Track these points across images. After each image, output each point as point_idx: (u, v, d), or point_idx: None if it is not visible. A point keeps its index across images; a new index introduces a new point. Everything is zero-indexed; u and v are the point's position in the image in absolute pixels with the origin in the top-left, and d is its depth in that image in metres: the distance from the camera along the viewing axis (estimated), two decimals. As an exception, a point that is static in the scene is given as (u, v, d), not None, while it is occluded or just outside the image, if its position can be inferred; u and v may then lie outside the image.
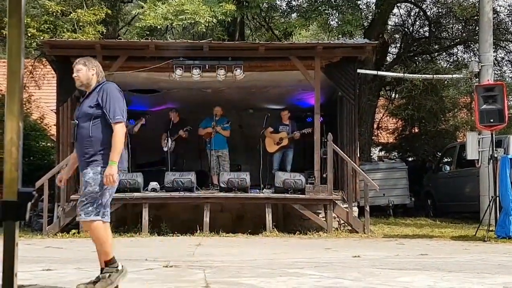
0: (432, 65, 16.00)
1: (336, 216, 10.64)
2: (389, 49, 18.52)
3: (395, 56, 18.11)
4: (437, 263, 6.22)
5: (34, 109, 17.09)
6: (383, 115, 19.64)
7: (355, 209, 10.79)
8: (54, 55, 11.11)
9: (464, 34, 17.22)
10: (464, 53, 18.41)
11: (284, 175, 10.88)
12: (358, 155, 11.80)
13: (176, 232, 9.91)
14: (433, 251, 7.68)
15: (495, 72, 15.31)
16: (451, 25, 17.78)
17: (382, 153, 19.53)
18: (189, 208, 10.89)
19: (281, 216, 11.13)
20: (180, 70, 10.60)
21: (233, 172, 11.57)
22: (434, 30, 17.49)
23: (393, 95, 18.87)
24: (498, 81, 12.55)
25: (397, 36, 18.81)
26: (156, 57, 10.66)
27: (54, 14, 13.42)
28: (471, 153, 10.90)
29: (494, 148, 9.31)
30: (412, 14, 18.34)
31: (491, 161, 9.27)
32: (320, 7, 14.79)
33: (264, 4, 15.31)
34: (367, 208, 10.24)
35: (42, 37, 11.75)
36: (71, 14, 13.58)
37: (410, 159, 18.38)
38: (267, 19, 18.20)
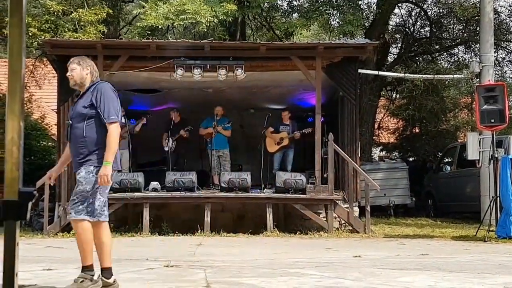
0: (433, 65, 15.98)
1: (337, 216, 10.64)
2: (390, 49, 18.52)
3: (396, 56, 18.11)
4: (437, 263, 6.22)
5: (35, 108, 17.12)
6: (384, 115, 19.65)
7: (356, 209, 10.78)
8: (55, 54, 11.10)
9: (465, 35, 17.21)
10: (465, 53, 18.43)
11: (285, 175, 10.88)
12: (359, 155, 11.79)
13: (177, 232, 9.91)
14: (434, 251, 7.68)
15: (496, 72, 15.30)
16: (452, 26, 17.77)
17: (383, 153, 19.53)
18: (190, 208, 10.89)
19: (282, 216, 11.12)
20: (181, 70, 10.60)
21: (234, 172, 11.57)
22: (435, 30, 17.48)
23: (394, 95, 18.88)
24: (499, 82, 12.53)
25: (398, 36, 18.81)
26: (157, 56, 10.67)
27: (55, 13, 13.42)
28: (471, 153, 10.89)
29: (495, 148, 9.31)
30: (413, 14, 18.34)
31: (492, 161, 9.27)
32: (321, 7, 14.80)
33: (265, 4, 15.31)
34: (368, 208, 10.24)
35: (43, 37, 11.74)
36: (72, 14, 13.58)
37: (411, 159, 18.38)
38: (268, 19, 18.21)
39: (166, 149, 12.16)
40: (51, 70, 15.24)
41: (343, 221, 10.75)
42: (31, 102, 16.43)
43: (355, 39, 13.59)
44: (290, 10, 16.25)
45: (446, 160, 15.35)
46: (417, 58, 17.78)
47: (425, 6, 17.70)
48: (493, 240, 8.89)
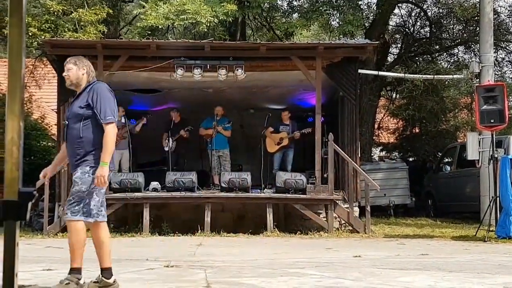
0: (433, 66, 15.98)
1: (337, 216, 10.65)
2: (390, 49, 18.52)
3: (396, 57, 18.12)
4: (437, 263, 6.23)
5: (35, 108, 17.11)
6: (384, 115, 19.66)
7: (356, 209, 10.78)
8: (55, 54, 11.10)
9: (464, 35, 17.22)
10: (464, 53, 18.44)
11: (285, 175, 10.88)
12: (359, 155, 11.80)
13: (177, 232, 9.91)
14: (434, 251, 7.69)
15: (496, 72, 15.31)
16: (452, 26, 17.78)
17: (383, 153, 19.52)
18: (190, 208, 10.89)
19: (282, 216, 11.12)
20: (181, 70, 10.60)
21: (234, 172, 11.57)
22: (435, 30, 17.49)
23: (394, 95, 18.88)
24: (498, 82, 12.54)
25: (398, 36, 18.83)
26: (157, 56, 10.67)
27: (55, 13, 13.42)
28: (471, 154, 10.90)
29: (495, 149, 9.32)
30: (413, 14, 18.35)
31: (492, 161, 9.27)
32: (321, 8, 14.80)
33: (266, 4, 15.31)
34: (368, 208, 10.24)
35: (43, 37, 11.74)
36: (72, 14, 13.58)
37: (410, 159, 18.38)
38: (268, 19, 18.21)
39: (166, 149, 12.16)
40: (51, 70, 15.24)
41: (343, 221, 10.75)
42: (31, 102, 16.42)
43: (355, 39, 13.60)
44: (290, 10, 16.27)
45: (446, 160, 15.35)
46: (417, 58, 17.78)
47: (425, 7, 17.72)
48: (493, 240, 8.89)
